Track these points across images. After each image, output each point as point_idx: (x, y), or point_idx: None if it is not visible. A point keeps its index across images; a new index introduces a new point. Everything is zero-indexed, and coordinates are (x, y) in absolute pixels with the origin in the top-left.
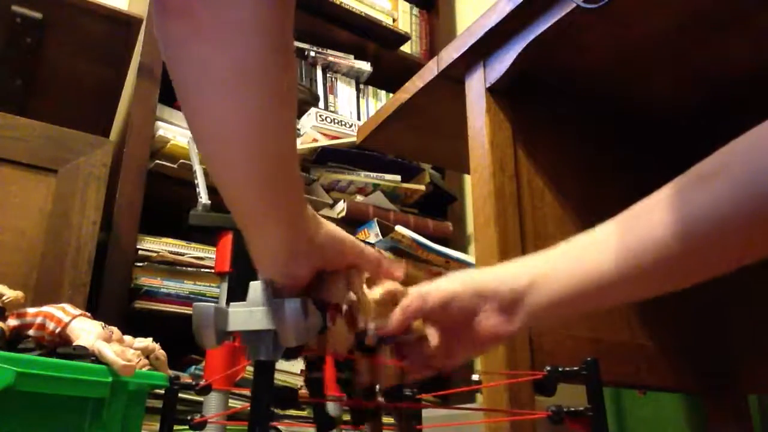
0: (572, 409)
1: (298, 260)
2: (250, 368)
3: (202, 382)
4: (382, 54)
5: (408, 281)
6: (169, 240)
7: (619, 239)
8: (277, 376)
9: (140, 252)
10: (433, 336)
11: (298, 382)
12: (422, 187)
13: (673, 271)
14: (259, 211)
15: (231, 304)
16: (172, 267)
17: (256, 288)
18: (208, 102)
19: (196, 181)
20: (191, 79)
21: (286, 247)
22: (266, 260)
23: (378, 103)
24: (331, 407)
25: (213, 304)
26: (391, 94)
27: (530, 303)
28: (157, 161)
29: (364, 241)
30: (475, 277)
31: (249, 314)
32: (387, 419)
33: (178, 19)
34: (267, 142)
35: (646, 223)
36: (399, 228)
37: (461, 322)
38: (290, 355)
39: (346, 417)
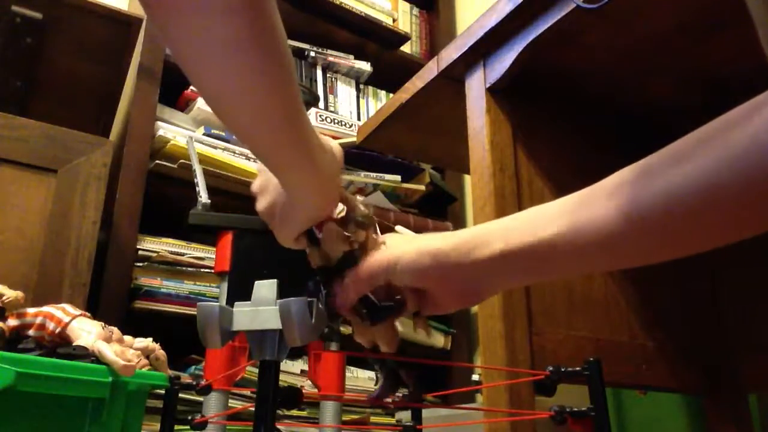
0: (574, 409)
1: (326, 188)
2: (251, 368)
3: (203, 382)
4: (382, 54)
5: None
6: (169, 240)
7: (571, 212)
8: None
9: (140, 252)
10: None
11: (299, 382)
12: (422, 187)
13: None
14: (281, 156)
15: (235, 303)
16: (172, 267)
17: (261, 288)
18: (205, 70)
19: (195, 181)
20: (186, 49)
21: (315, 180)
22: (304, 192)
23: (378, 103)
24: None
25: (217, 303)
26: (391, 95)
27: (496, 275)
28: (157, 161)
29: None
30: (437, 250)
31: (254, 314)
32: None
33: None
34: (268, 99)
35: (599, 201)
36: (399, 228)
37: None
38: (295, 354)
39: (347, 417)
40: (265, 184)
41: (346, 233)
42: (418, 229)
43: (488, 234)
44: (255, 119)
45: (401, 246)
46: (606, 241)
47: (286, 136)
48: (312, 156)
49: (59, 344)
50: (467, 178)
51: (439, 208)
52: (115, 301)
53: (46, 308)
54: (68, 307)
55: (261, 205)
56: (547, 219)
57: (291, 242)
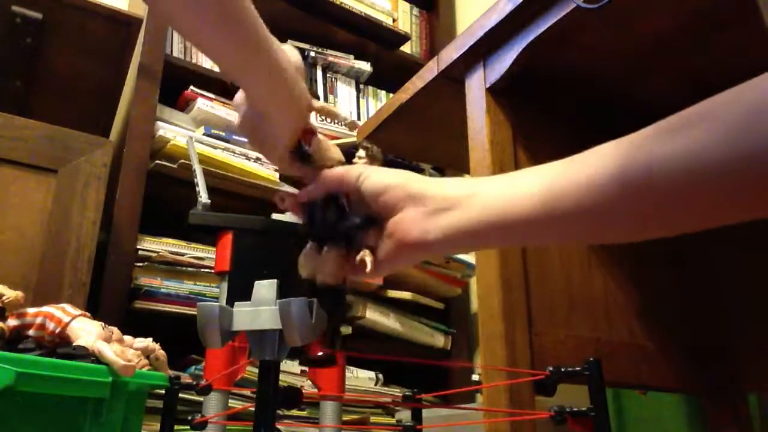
0: (574, 409)
1: (292, 90)
2: (251, 368)
3: (203, 382)
4: (382, 54)
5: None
6: (169, 240)
7: (551, 179)
8: None
9: (140, 252)
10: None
11: (299, 382)
12: None
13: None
14: (232, 54)
15: (235, 303)
16: (172, 267)
17: (261, 288)
18: None
19: (195, 181)
20: None
21: (277, 81)
22: (268, 95)
23: (378, 103)
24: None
25: (218, 303)
26: (391, 95)
27: (456, 216)
28: (157, 161)
29: None
30: (413, 176)
31: (254, 314)
32: (387, 419)
33: None
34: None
35: (583, 167)
36: None
37: (382, 216)
38: (295, 354)
39: (347, 417)
40: (239, 99)
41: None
42: None
43: (467, 180)
44: (198, 16)
45: (381, 167)
46: (587, 210)
47: (234, 33)
48: (269, 55)
49: (59, 344)
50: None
51: None
52: (115, 301)
53: (46, 308)
54: (68, 307)
55: (237, 121)
56: (531, 175)
57: (280, 161)
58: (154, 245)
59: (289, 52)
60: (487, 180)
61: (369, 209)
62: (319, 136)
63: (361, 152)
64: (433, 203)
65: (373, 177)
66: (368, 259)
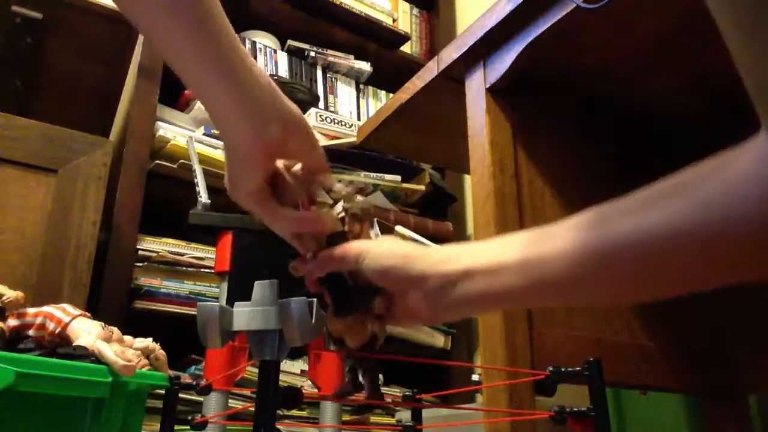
0: (574, 409)
1: (246, 119)
2: (251, 368)
3: (203, 382)
4: (382, 54)
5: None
6: (169, 240)
7: (527, 251)
8: None
9: (140, 252)
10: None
11: (299, 382)
12: (422, 188)
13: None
14: (188, 58)
15: (235, 303)
16: (172, 267)
17: (261, 288)
18: None
19: (195, 181)
20: None
21: (231, 97)
22: (215, 109)
23: (378, 103)
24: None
25: (217, 303)
26: (391, 95)
27: (457, 292)
28: (157, 161)
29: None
30: (413, 255)
31: (254, 314)
32: (387, 419)
33: None
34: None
35: (559, 240)
36: (399, 228)
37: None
38: (295, 354)
39: (347, 417)
40: None
41: (345, 227)
42: (417, 229)
43: (459, 252)
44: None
45: (380, 243)
46: (565, 275)
47: (194, 37)
48: (233, 72)
49: (59, 344)
50: (467, 178)
51: (439, 208)
52: (115, 301)
53: (46, 308)
54: (68, 307)
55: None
56: (514, 246)
57: (245, 198)
58: (154, 245)
59: (293, 108)
60: (475, 254)
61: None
62: (320, 207)
63: (349, 218)
64: (434, 284)
65: (371, 260)
66: (379, 334)
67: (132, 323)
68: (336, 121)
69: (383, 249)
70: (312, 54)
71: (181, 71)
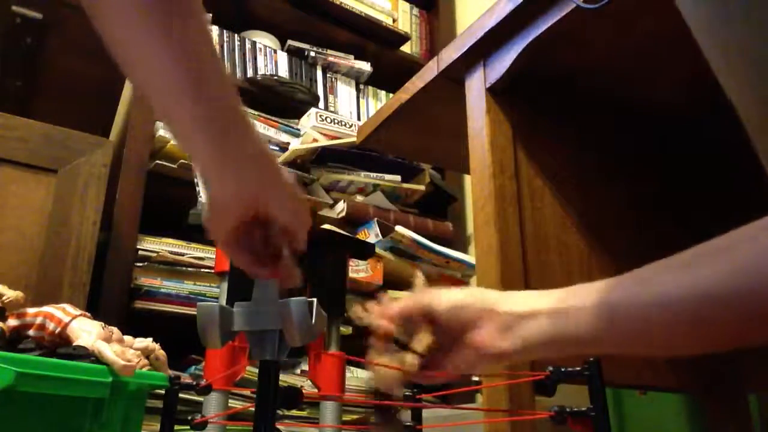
0: (574, 409)
1: (228, 176)
2: (251, 368)
3: (203, 382)
4: (382, 54)
5: None
6: (169, 240)
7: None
8: None
9: (140, 252)
10: (426, 337)
11: (299, 381)
12: (422, 188)
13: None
14: (184, 122)
15: (236, 303)
16: (172, 267)
17: (261, 288)
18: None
19: (195, 181)
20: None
21: (213, 151)
22: (199, 164)
23: (378, 103)
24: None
25: (217, 303)
26: (391, 95)
27: (524, 330)
28: (157, 161)
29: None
30: (484, 293)
31: (254, 314)
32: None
33: None
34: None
35: (638, 298)
36: (399, 228)
37: (459, 331)
38: (295, 354)
39: (347, 417)
40: None
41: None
42: (417, 229)
43: (529, 294)
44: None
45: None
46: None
47: (188, 100)
48: (223, 134)
49: (59, 344)
50: (467, 178)
51: (439, 208)
52: (115, 301)
53: (46, 308)
54: (68, 307)
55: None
56: (571, 293)
57: (217, 240)
58: (154, 245)
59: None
60: (548, 296)
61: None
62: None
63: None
64: (505, 319)
65: (446, 299)
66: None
67: (132, 323)
68: (336, 121)
69: (449, 291)
70: (312, 54)
71: (171, 121)
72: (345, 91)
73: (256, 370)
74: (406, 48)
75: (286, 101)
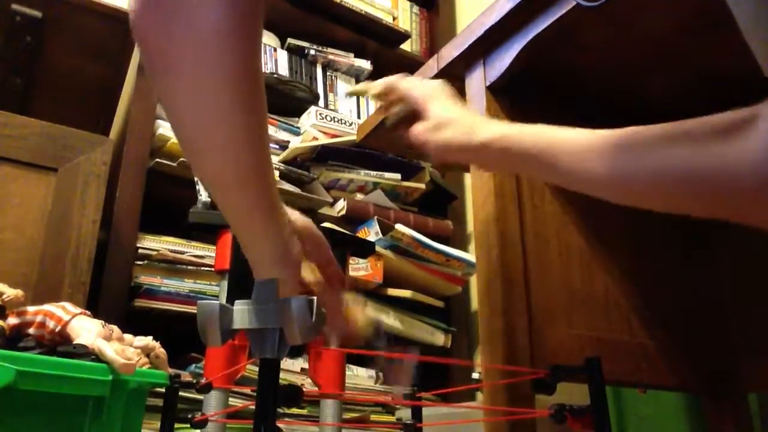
0: (574, 407)
1: (288, 254)
2: (251, 366)
3: (203, 381)
4: (382, 52)
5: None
6: (169, 238)
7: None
8: None
9: (140, 250)
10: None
11: (299, 380)
12: (422, 186)
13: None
14: (245, 211)
15: (236, 302)
16: (172, 265)
17: (261, 286)
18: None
19: (196, 179)
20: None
21: (276, 240)
22: (262, 258)
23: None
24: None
25: (218, 302)
26: None
27: (441, 135)
28: (157, 160)
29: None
30: (436, 95)
31: (254, 312)
32: (388, 417)
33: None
34: (239, 148)
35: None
36: (399, 226)
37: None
38: (295, 353)
39: (347, 415)
40: None
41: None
42: (417, 228)
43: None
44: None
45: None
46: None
47: (254, 185)
48: (275, 215)
49: (59, 343)
50: (467, 177)
51: (440, 207)
52: (115, 299)
53: (46, 306)
54: (68, 305)
55: None
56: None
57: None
58: (154, 244)
59: (292, 215)
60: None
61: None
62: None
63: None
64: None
65: (411, 86)
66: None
67: (132, 322)
68: (336, 120)
69: (424, 82)
70: (312, 52)
71: (237, 224)
72: (345, 89)
73: (257, 369)
74: (406, 46)
75: (286, 99)
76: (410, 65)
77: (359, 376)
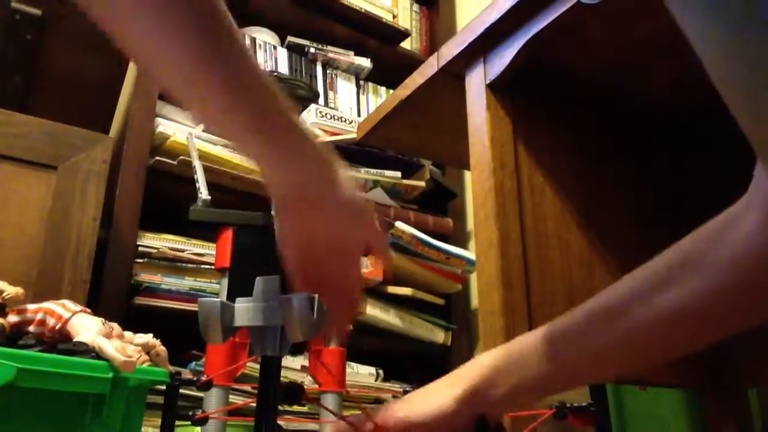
0: (575, 404)
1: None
2: (251, 364)
3: (203, 378)
4: (382, 50)
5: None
6: (170, 236)
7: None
8: None
9: (140, 248)
10: None
11: (300, 377)
12: (422, 184)
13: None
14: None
15: (237, 299)
16: (172, 263)
17: (262, 283)
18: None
19: (196, 177)
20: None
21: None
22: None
23: (378, 99)
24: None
25: (219, 299)
26: (391, 91)
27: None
28: (157, 158)
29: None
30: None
31: (256, 309)
32: None
33: None
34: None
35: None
36: (399, 224)
37: None
38: (297, 350)
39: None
40: None
41: None
42: (418, 226)
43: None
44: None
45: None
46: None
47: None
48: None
49: (60, 340)
50: (467, 174)
51: (440, 204)
52: (115, 297)
53: (46, 304)
54: (68, 303)
55: None
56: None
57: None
58: (155, 241)
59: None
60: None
61: None
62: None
63: None
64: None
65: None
66: None
67: (132, 319)
68: (336, 118)
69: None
70: (312, 50)
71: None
72: (345, 88)
73: (257, 366)
74: (406, 44)
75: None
76: (410, 63)
77: (359, 374)
